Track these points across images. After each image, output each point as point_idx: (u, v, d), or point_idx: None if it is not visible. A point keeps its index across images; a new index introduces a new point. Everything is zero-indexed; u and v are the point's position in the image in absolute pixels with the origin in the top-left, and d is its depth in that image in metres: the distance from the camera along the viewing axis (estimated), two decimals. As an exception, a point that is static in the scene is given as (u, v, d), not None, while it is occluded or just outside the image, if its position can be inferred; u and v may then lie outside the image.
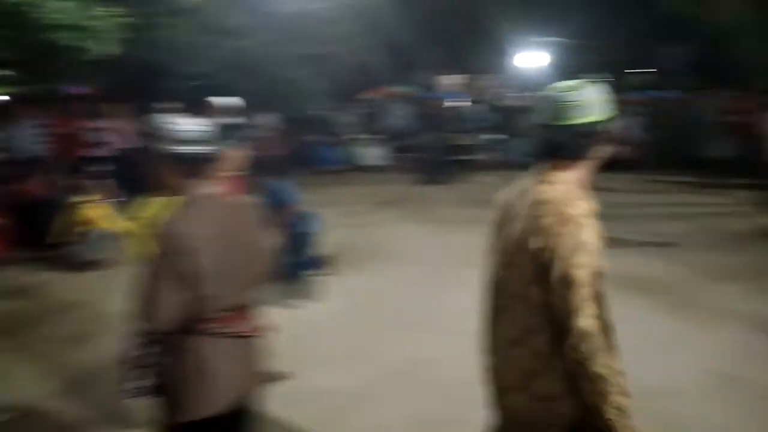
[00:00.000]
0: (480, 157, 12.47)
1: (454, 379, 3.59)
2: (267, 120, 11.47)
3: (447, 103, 13.51)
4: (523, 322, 1.56)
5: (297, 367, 3.71)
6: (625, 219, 7.74)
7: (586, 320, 1.41)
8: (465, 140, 12.58)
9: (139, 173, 2.45)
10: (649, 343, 4.01)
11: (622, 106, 13.18)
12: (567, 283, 1.43)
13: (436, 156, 11.37)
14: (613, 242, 5.83)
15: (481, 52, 20.18)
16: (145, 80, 10.71)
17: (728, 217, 7.96)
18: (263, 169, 4.99)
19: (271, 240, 4.89)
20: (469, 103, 14.15)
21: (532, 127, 1.65)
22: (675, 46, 18.30)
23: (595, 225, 1.49)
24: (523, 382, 1.57)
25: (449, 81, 18.21)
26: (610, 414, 1.43)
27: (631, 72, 19.87)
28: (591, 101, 1.54)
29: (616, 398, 1.42)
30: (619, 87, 16.99)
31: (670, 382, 3.49)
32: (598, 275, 1.45)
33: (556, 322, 1.47)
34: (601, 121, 1.55)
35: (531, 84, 18.61)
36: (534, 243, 1.48)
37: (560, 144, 1.57)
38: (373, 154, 12.97)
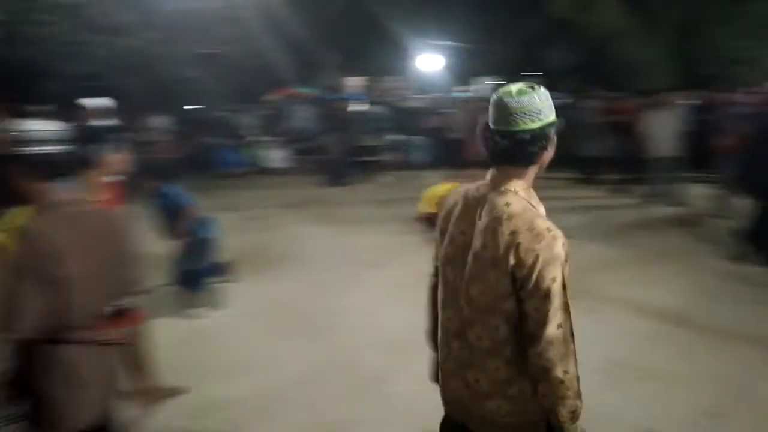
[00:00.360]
0: (383, 158, 12.56)
1: (361, 382, 3.57)
2: (159, 122, 10.93)
3: (350, 105, 13.50)
4: (495, 333, 1.57)
5: (197, 379, 3.54)
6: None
7: (554, 329, 1.47)
8: (368, 141, 12.63)
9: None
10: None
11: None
12: (542, 295, 1.47)
13: (340, 157, 11.33)
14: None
15: (382, 54, 20.45)
16: (20, 80, 9.84)
17: (615, 210, 8.53)
18: (155, 173, 4.72)
19: (168, 246, 4.65)
20: (371, 105, 14.23)
21: (490, 132, 1.58)
22: (562, 51, 19.48)
23: (561, 235, 1.51)
24: (501, 389, 1.60)
25: (351, 83, 18.28)
26: (564, 417, 1.51)
27: (521, 75, 20.94)
28: (541, 105, 1.53)
29: (571, 402, 1.50)
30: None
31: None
32: (567, 286, 1.50)
33: (527, 331, 1.52)
34: (550, 125, 1.55)
35: (430, 86, 19.16)
36: (510, 259, 1.48)
37: (515, 150, 1.54)
38: (276, 156, 12.70)
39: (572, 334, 1.51)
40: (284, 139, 13.06)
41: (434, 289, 1.89)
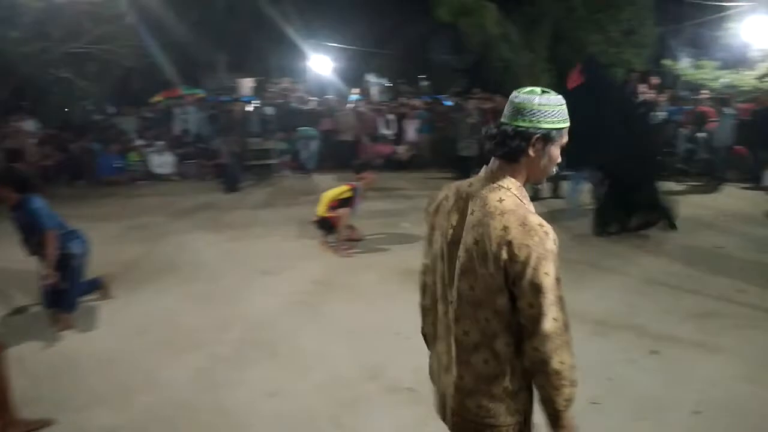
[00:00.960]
0: (275, 160, 12.33)
1: (251, 399, 3.44)
2: (26, 126, 10.00)
3: (241, 107, 13.13)
4: (486, 327, 1.60)
5: (70, 408, 3.27)
6: (413, 214, 8.27)
7: (550, 323, 1.51)
8: (260, 144, 12.35)
9: None
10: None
11: (403, 109, 14.12)
12: (536, 290, 1.50)
13: (232, 161, 10.97)
14: (403, 238, 6.14)
15: (274, 54, 20.14)
16: None
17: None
18: (15, 183, 4.29)
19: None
20: (263, 107, 13.93)
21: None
22: (449, 54, 20.20)
23: (552, 230, 1.54)
24: (483, 386, 1.62)
25: (242, 83, 17.81)
26: (560, 405, 1.56)
27: (410, 77, 21.47)
28: (536, 108, 1.55)
29: (567, 390, 1.55)
30: (399, 91, 18.15)
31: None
32: (560, 279, 1.53)
33: (521, 326, 1.56)
34: (540, 131, 1.56)
35: (323, 87, 19.10)
36: (502, 254, 1.50)
37: (498, 140, 1.59)
38: (163, 161, 12.04)
39: (567, 326, 1.54)
40: (172, 143, 12.42)
41: (424, 287, 1.87)
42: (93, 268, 4.84)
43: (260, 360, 3.93)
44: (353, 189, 6.45)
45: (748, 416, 3.17)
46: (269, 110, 13.52)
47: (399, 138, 13.13)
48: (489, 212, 1.56)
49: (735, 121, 10.20)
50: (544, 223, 1.54)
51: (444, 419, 1.78)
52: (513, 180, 1.62)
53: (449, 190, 1.74)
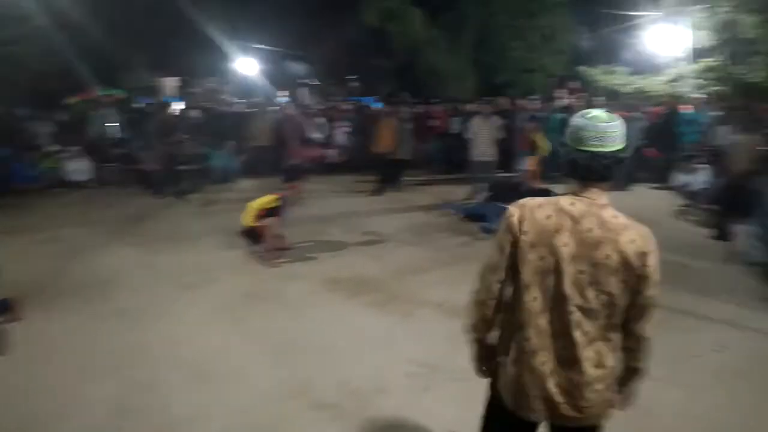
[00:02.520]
0: (200, 167, 11.93)
1: (166, 424, 3.34)
2: None
3: (163, 109, 12.63)
4: (606, 323, 1.88)
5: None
6: (341, 220, 8.28)
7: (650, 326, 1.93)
8: (184, 149, 11.91)
9: None
10: (360, 343, 4.33)
11: (331, 112, 14.11)
12: (656, 284, 1.87)
13: (153, 167, 10.55)
14: (331, 246, 6.14)
15: (199, 55, 19.58)
16: None
17: (428, 212, 9.09)
18: None
19: None
20: (188, 109, 13.48)
21: (571, 151, 1.87)
22: (379, 58, 20.32)
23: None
24: (599, 371, 1.89)
25: (164, 84, 17.20)
26: (645, 363, 2.01)
27: (341, 80, 21.48)
28: (622, 130, 1.85)
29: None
30: (327, 94, 18.15)
31: (380, 381, 3.78)
32: None
33: (635, 314, 1.91)
34: (626, 148, 1.88)
35: (250, 90, 18.76)
36: (636, 262, 1.83)
37: (611, 167, 1.85)
38: (78, 167, 11.41)
39: None
40: (88, 148, 11.78)
41: (499, 296, 2.02)
42: (0, 288, 4.56)
43: (180, 383, 3.80)
44: (281, 198, 6.38)
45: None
46: (195, 113, 13.10)
47: (329, 141, 13.10)
48: (613, 229, 1.85)
49: (643, 124, 10.85)
50: (646, 227, 1.91)
51: (543, 419, 2.00)
52: (606, 196, 1.91)
53: (550, 210, 1.90)
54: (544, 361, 1.90)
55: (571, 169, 1.89)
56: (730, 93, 11.79)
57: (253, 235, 6.40)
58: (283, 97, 15.41)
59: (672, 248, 6.62)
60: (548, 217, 1.88)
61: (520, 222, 1.90)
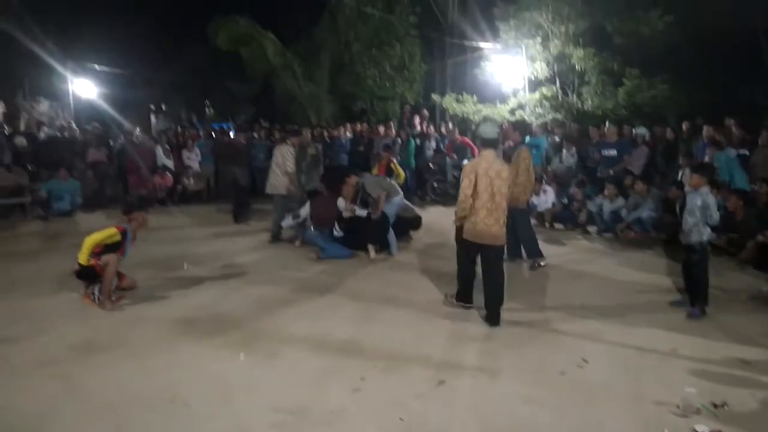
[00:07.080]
0: (25, 199, 10.47)
1: None
2: None
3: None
4: (498, 199, 5.24)
5: None
6: (196, 254, 7.63)
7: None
8: (10, 180, 10.39)
9: None
10: (217, 393, 3.83)
11: (184, 138, 13.25)
12: (504, 184, 5.31)
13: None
14: (184, 283, 5.44)
15: (28, 75, 17.67)
16: None
17: (286, 240, 8.68)
18: None
19: None
20: (15, 135, 11.90)
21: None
22: (235, 82, 19.68)
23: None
24: (496, 218, 5.18)
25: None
26: None
27: (194, 104, 20.47)
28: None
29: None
30: (179, 119, 17.19)
31: (242, 430, 3.34)
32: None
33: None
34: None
35: (91, 114, 17.13)
36: (503, 176, 5.27)
37: (495, 140, 5.57)
38: None
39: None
40: None
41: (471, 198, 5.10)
42: None
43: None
44: (122, 231, 5.65)
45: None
46: (21, 140, 11.53)
47: (182, 168, 12.21)
48: (499, 167, 5.14)
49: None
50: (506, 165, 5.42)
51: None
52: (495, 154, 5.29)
53: (483, 163, 5.11)
54: (483, 216, 5.02)
55: (480, 142, 5.41)
56: (564, 119, 12.91)
57: (89, 274, 5.57)
58: (128, 122, 14.22)
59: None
60: (482, 165, 5.05)
61: (475, 170, 5.04)
